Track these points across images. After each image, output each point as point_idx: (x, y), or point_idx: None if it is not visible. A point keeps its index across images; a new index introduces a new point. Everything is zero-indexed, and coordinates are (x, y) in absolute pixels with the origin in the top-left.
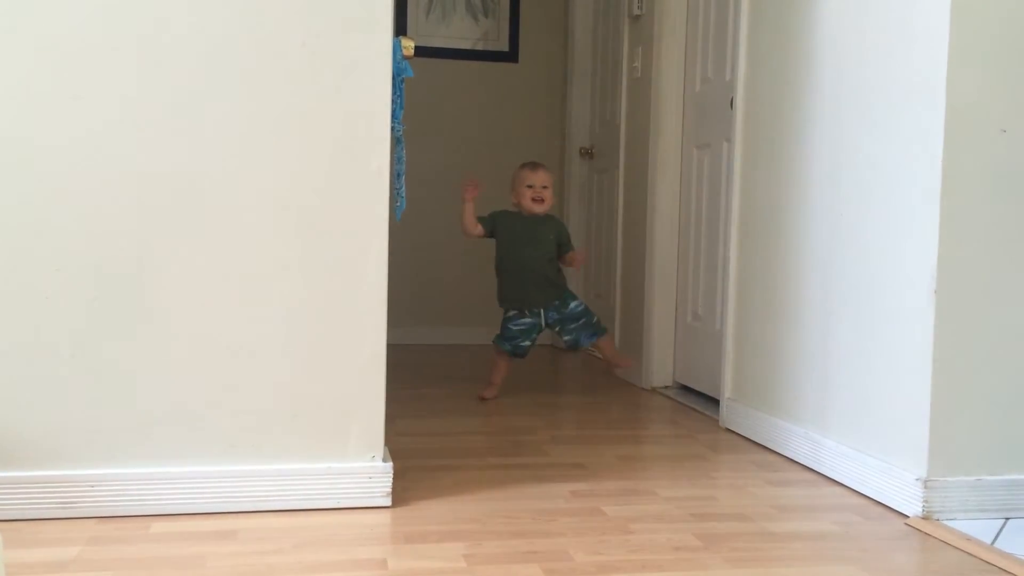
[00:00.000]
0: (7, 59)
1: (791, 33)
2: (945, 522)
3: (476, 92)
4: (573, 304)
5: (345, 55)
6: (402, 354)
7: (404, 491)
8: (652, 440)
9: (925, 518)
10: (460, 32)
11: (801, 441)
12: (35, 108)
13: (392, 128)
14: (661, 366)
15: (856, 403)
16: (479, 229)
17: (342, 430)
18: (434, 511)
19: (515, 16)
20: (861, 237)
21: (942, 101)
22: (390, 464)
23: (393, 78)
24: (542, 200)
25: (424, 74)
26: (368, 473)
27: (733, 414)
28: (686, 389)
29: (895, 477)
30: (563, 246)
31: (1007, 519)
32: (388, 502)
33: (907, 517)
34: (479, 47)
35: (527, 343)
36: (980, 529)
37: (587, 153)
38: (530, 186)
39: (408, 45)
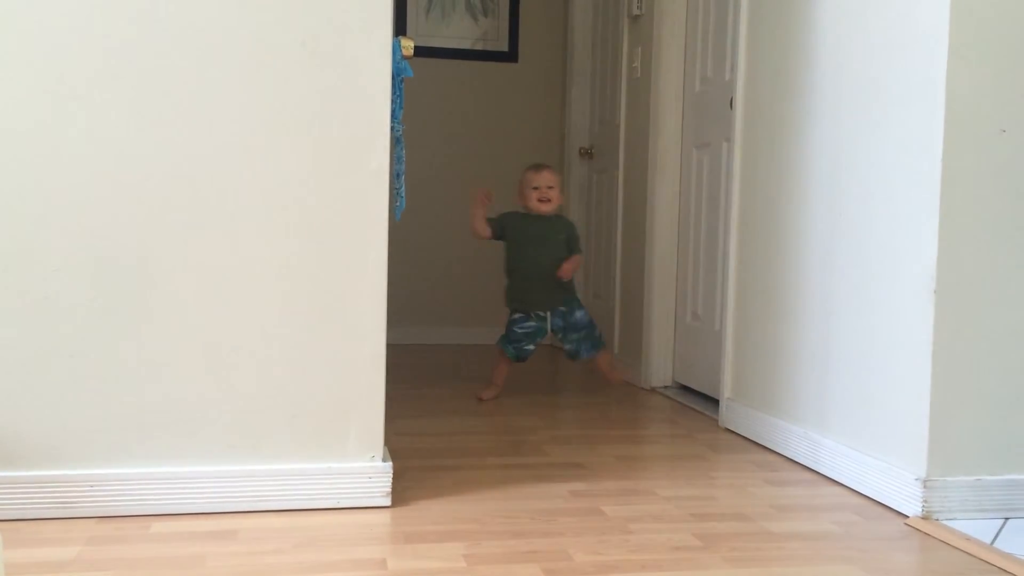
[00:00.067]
0: (6, 59)
1: (791, 33)
2: (945, 522)
3: (475, 92)
4: (579, 314)
5: (345, 55)
6: (402, 354)
7: (404, 491)
8: (652, 440)
9: (925, 518)
10: (459, 32)
11: (800, 441)
12: (34, 108)
13: (392, 128)
14: (660, 366)
15: (856, 403)
16: (487, 231)
17: (342, 430)
18: (434, 511)
19: (515, 16)
20: (861, 237)
21: (942, 101)
22: (390, 464)
23: (393, 78)
24: (548, 200)
25: (424, 74)
26: (368, 473)
27: (733, 414)
28: (685, 389)
29: (895, 477)
30: (571, 247)
31: (1007, 519)
32: (388, 502)
33: (907, 517)
34: (478, 47)
35: (531, 347)
36: (980, 529)
37: (586, 153)
38: (535, 187)
39: (408, 45)
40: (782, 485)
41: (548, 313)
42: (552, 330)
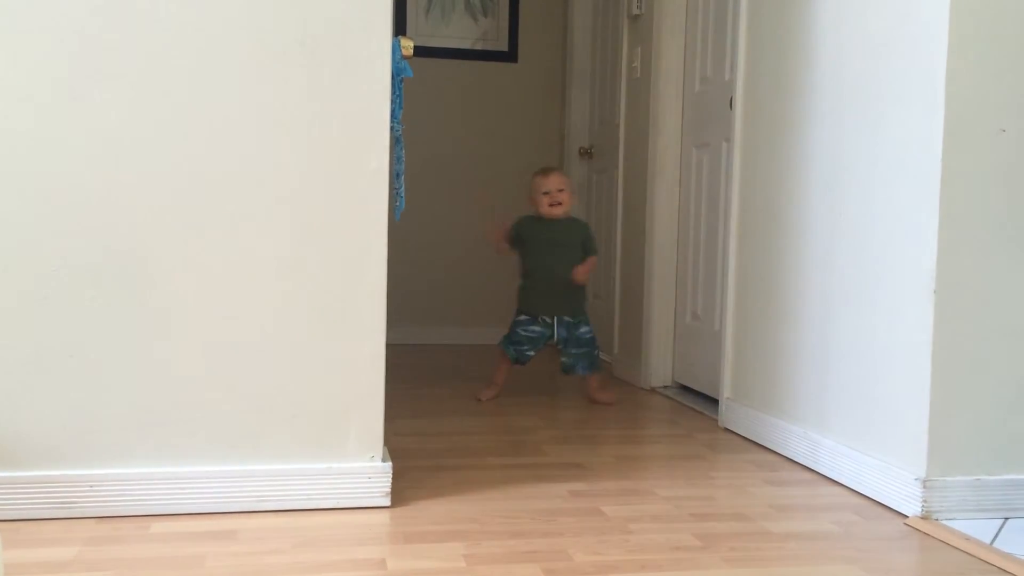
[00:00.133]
0: (7, 60)
1: (791, 33)
2: (944, 522)
3: (475, 92)
4: (584, 329)
5: (344, 55)
6: (402, 354)
7: (403, 491)
8: (651, 440)
9: (924, 518)
10: (459, 32)
11: (800, 441)
12: (34, 108)
13: (391, 128)
14: (660, 366)
15: (855, 403)
16: (509, 248)
17: (342, 430)
18: (433, 511)
19: (514, 16)
20: (860, 237)
21: (941, 101)
22: (389, 464)
23: (392, 78)
24: (560, 203)
25: (423, 74)
26: (367, 473)
27: (732, 414)
28: (685, 389)
29: (894, 477)
30: (586, 249)
31: (1006, 519)
32: (387, 502)
33: (906, 517)
34: (478, 47)
35: (531, 353)
36: (979, 529)
37: (586, 153)
38: (546, 192)
39: (407, 45)
40: (782, 485)
41: (555, 321)
42: (555, 339)
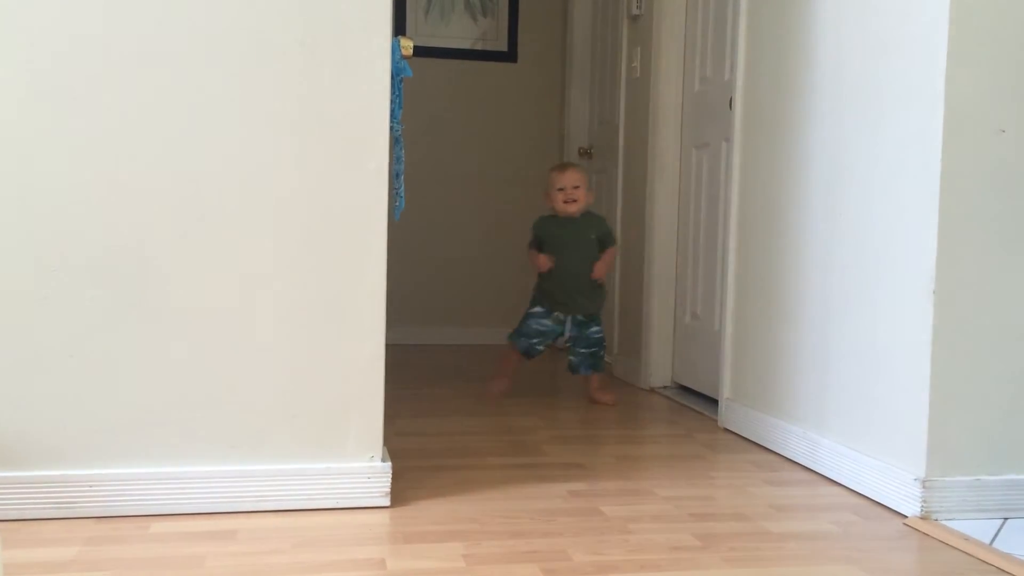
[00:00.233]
0: (6, 60)
1: (791, 33)
2: (943, 522)
3: (475, 92)
4: (594, 328)
5: (344, 55)
6: (402, 354)
7: (403, 491)
8: (651, 440)
9: (923, 518)
10: (459, 32)
11: (799, 441)
12: (34, 109)
13: (391, 128)
14: (660, 366)
15: (855, 403)
16: (549, 260)
17: (341, 430)
18: (433, 511)
19: (514, 16)
20: (860, 237)
21: (941, 101)
22: (389, 464)
23: (392, 78)
24: (575, 200)
25: (423, 74)
26: (367, 473)
27: (732, 414)
28: (685, 389)
29: (893, 477)
30: (604, 243)
31: (1005, 519)
32: (387, 502)
33: (905, 517)
34: (478, 47)
35: (541, 347)
36: (978, 529)
37: (586, 153)
38: (561, 189)
39: (407, 45)
40: (781, 485)
41: (568, 318)
42: (566, 337)
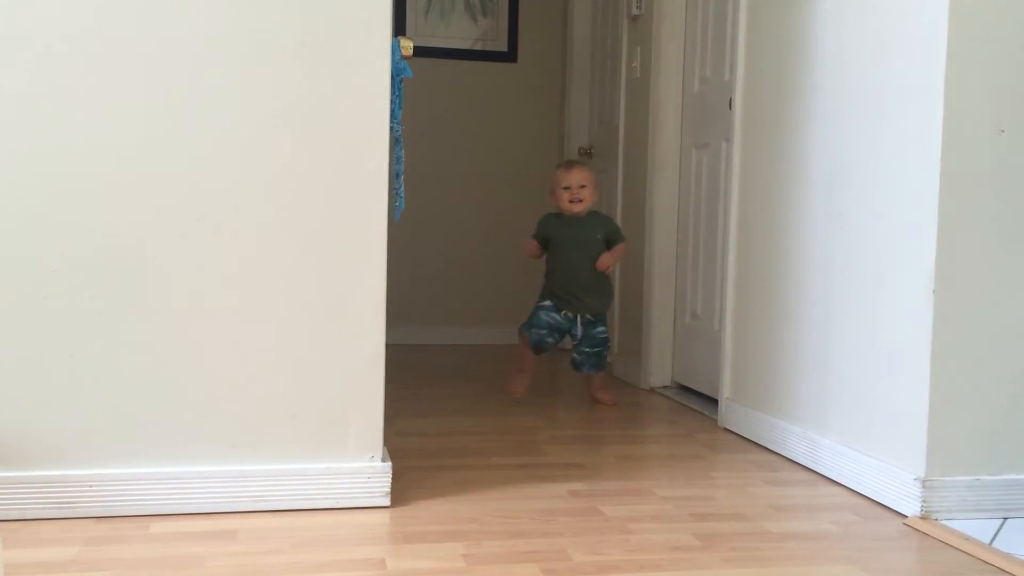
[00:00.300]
0: (6, 60)
1: (791, 33)
2: (943, 522)
3: (475, 92)
4: (600, 328)
5: (344, 55)
6: (402, 354)
7: (403, 491)
8: (651, 440)
9: (923, 518)
10: (459, 32)
11: (799, 441)
12: (34, 108)
13: (391, 128)
14: (660, 366)
15: (855, 403)
16: (537, 249)
17: (341, 430)
18: (433, 511)
19: (514, 16)
20: (860, 237)
21: (940, 101)
22: (389, 464)
23: (392, 78)
24: (581, 200)
25: (423, 74)
26: (367, 473)
27: (732, 414)
28: (685, 389)
29: (893, 477)
30: (612, 241)
31: (1005, 519)
32: (387, 502)
33: (905, 517)
34: (478, 47)
35: (551, 340)
36: (978, 529)
37: (586, 153)
38: (566, 187)
39: (407, 45)
40: (781, 485)
41: (578, 318)
42: (574, 335)
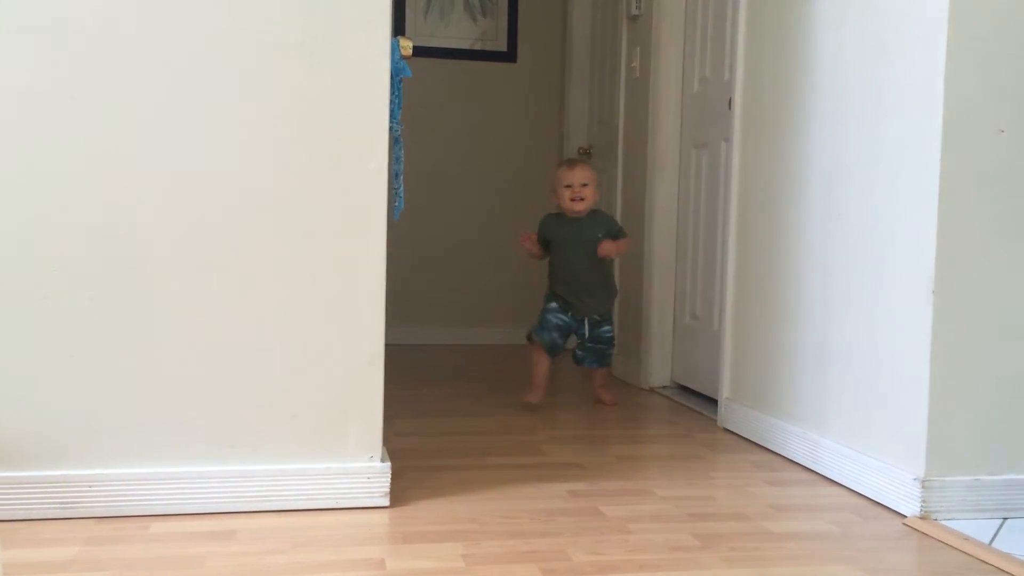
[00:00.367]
0: (6, 59)
1: (790, 33)
2: (943, 522)
3: (474, 92)
4: (605, 328)
5: (343, 55)
6: (402, 354)
7: (402, 491)
8: (650, 440)
9: (923, 518)
10: (458, 32)
11: (799, 441)
12: (33, 108)
13: (390, 128)
14: (659, 366)
15: (855, 403)
16: (540, 250)
17: (341, 430)
18: (432, 511)
19: (513, 16)
20: (859, 237)
21: (940, 101)
22: (388, 464)
23: (391, 78)
24: (582, 199)
25: (422, 74)
26: (366, 473)
27: (731, 414)
28: (684, 389)
29: (893, 477)
30: (615, 238)
31: (1005, 519)
32: (386, 502)
33: (905, 517)
34: (477, 47)
35: (562, 341)
36: (978, 529)
37: (585, 153)
38: (568, 186)
39: (406, 45)
40: (781, 485)
41: (584, 320)
42: (579, 334)
